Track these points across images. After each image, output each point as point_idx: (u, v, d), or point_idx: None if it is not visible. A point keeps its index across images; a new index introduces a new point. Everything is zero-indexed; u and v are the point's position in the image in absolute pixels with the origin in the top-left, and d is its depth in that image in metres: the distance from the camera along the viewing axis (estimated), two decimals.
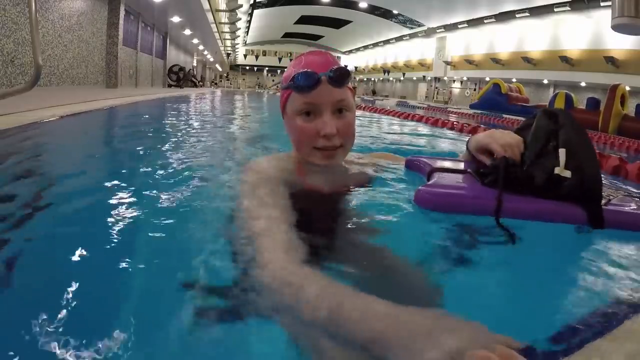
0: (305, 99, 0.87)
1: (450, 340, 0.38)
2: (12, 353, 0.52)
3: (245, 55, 45.03)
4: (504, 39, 22.76)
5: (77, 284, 0.69)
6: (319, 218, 0.89)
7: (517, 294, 0.70)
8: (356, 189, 0.98)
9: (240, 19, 23.69)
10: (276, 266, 0.59)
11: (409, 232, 0.86)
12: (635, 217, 0.80)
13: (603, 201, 0.81)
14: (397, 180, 1.05)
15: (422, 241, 0.83)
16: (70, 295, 0.66)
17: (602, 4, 16.64)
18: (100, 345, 0.54)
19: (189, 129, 3.60)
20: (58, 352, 0.53)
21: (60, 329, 0.58)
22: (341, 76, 0.87)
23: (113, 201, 1.12)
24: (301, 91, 0.87)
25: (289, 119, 0.92)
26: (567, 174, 0.80)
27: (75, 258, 0.78)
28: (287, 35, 41.93)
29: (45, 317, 0.60)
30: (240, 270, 0.68)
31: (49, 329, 0.57)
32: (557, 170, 0.80)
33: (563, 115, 0.90)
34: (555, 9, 19.31)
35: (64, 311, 0.61)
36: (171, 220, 0.99)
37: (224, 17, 20.23)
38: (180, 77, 17.93)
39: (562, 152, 0.82)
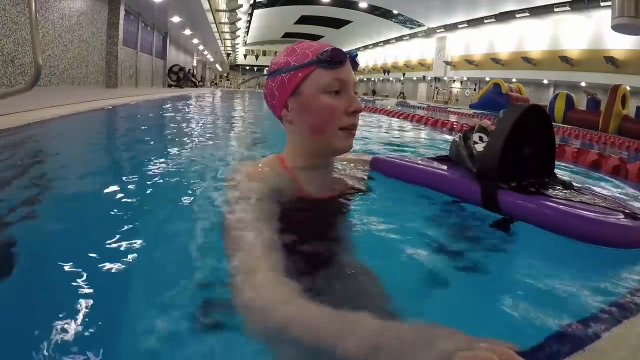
0: (336, 75, 0.85)
1: (446, 344, 0.37)
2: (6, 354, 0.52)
3: (245, 55, 45.05)
4: (504, 39, 22.74)
5: (74, 283, 0.69)
6: (313, 225, 0.84)
7: (513, 297, 0.70)
8: (351, 194, 0.94)
9: (240, 19, 23.67)
10: (261, 288, 0.56)
11: (407, 237, 0.85)
12: (532, 211, 0.75)
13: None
14: (387, 184, 1.04)
15: (423, 245, 0.83)
16: (67, 295, 0.66)
17: (602, 4, 16.62)
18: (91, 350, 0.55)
19: (189, 129, 3.60)
20: (50, 352, 0.53)
21: (57, 328, 0.58)
22: (357, 59, 0.91)
23: (112, 202, 1.12)
24: (333, 66, 0.85)
25: (310, 99, 0.86)
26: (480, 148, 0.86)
27: (74, 258, 0.78)
28: (287, 35, 41.87)
29: (41, 316, 0.60)
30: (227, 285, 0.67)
31: (44, 328, 0.57)
32: (476, 148, 0.87)
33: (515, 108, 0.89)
34: (555, 9, 19.29)
35: (61, 310, 0.61)
36: (170, 222, 0.99)
37: (224, 17, 20.22)
38: (180, 77, 17.92)
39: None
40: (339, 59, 0.85)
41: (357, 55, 0.92)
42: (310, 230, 0.81)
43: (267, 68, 0.96)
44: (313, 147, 0.90)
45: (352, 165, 1.07)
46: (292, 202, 0.83)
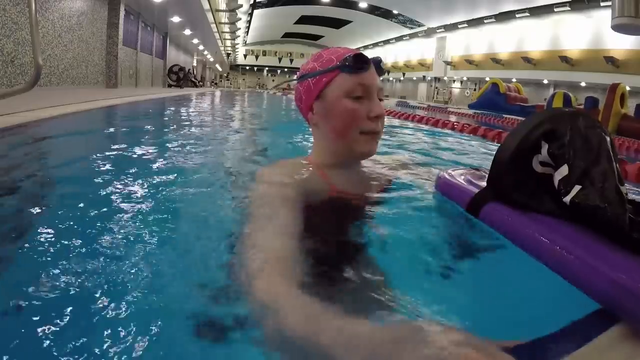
0: (359, 80, 0.86)
1: (440, 344, 0.38)
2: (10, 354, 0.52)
3: (245, 55, 45.02)
4: (504, 39, 22.76)
5: (74, 284, 0.69)
6: (344, 222, 0.85)
7: (510, 296, 0.70)
8: (380, 193, 0.95)
9: (240, 19, 23.66)
10: (269, 290, 0.56)
11: (430, 240, 0.84)
12: None
13: None
14: (418, 186, 1.02)
15: (442, 248, 0.82)
16: (67, 297, 0.66)
17: (602, 4, 16.65)
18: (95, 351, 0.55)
19: (189, 130, 3.60)
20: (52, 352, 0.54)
21: (58, 330, 0.58)
22: (383, 64, 0.92)
23: (112, 203, 1.12)
24: (355, 72, 0.87)
25: (333, 102, 0.88)
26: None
27: (73, 258, 0.78)
28: (287, 35, 41.90)
29: (41, 318, 0.60)
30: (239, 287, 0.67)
31: (46, 330, 0.57)
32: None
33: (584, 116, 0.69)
34: (555, 9, 19.32)
35: (61, 313, 0.61)
36: (171, 223, 0.99)
37: (224, 17, 20.22)
38: (180, 77, 17.92)
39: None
40: (361, 65, 0.86)
41: (381, 60, 0.91)
42: (343, 228, 0.82)
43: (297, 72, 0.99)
44: (337, 149, 0.92)
45: (382, 163, 1.08)
46: (326, 201, 0.85)
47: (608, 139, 0.65)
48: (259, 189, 0.84)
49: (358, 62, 0.86)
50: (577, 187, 0.61)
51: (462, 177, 0.92)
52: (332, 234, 0.76)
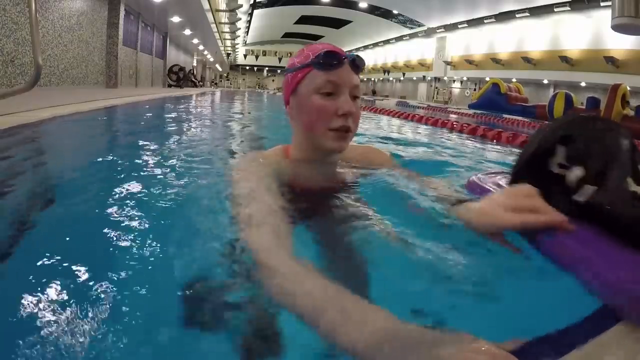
0: (329, 77, 0.87)
1: (451, 349, 0.38)
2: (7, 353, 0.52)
3: (245, 55, 45.02)
4: (504, 39, 22.74)
5: (76, 283, 0.69)
6: (305, 216, 0.86)
7: (509, 296, 0.70)
8: (347, 187, 0.97)
9: (240, 19, 23.67)
10: (276, 264, 0.59)
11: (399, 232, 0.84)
12: None
13: None
14: (387, 180, 1.03)
15: (411, 242, 0.82)
16: (68, 296, 0.66)
17: (602, 4, 16.64)
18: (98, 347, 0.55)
19: (189, 129, 3.60)
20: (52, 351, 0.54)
21: (58, 328, 0.58)
22: (360, 62, 0.91)
23: (112, 202, 1.12)
24: (326, 68, 0.87)
25: (304, 98, 0.90)
26: None
27: (74, 258, 0.78)
28: (287, 35, 41.90)
29: (41, 317, 0.60)
30: (235, 268, 0.68)
31: (45, 329, 0.57)
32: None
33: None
34: (555, 9, 19.31)
35: (60, 312, 0.61)
36: (170, 219, 0.99)
37: (224, 17, 20.22)
38: (180, 77, 17.93)
39: None
40: (331, 61, 0.87)
41: (356, 57, 0.91)
42: (296, 218, 0.82)
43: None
44: (308, 142, 0.94)
45: (352, 155, 1.07)
46: (282, 188, 0.86)
47: (627, 141, 0.66)
48: (239, 177, 0.87)
49: (328, 59, 0.87)
50: (593, 188, 0.62)
51: (491, 180, 0.90)
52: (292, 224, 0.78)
